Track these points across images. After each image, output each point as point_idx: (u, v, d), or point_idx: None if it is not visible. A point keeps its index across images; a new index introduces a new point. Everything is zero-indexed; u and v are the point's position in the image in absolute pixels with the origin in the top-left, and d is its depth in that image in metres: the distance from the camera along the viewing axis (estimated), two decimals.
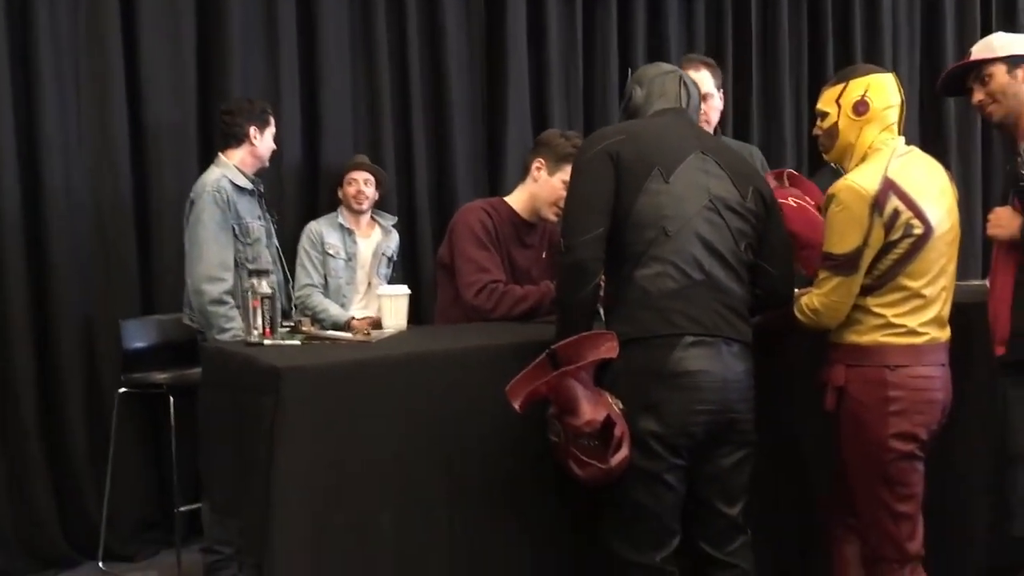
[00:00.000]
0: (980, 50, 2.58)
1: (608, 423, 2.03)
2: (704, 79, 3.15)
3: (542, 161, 2.88)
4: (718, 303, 2.18)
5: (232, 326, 3.32)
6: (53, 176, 3.67)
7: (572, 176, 2.27)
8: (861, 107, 2.32)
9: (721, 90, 3.28)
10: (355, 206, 4.01)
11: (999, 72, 2.52)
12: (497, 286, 2.73)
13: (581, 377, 2.05)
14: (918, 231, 2.23)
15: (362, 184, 4.01)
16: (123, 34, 3.79)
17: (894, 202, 2.21)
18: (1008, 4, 6.11)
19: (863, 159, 2.33)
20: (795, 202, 2.48)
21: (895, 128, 2.35)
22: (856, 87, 2.34)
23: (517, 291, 2.74)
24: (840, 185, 2.26)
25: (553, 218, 2.90)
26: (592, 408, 2.04)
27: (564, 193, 2.77)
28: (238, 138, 3.51)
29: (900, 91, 2.37)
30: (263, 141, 3.53)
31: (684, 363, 2.12)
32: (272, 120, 3.57)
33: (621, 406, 2.10)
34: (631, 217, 2.17)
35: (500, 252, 2.83)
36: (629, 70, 2.50)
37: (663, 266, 2.15)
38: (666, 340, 2.13)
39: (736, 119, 5.22)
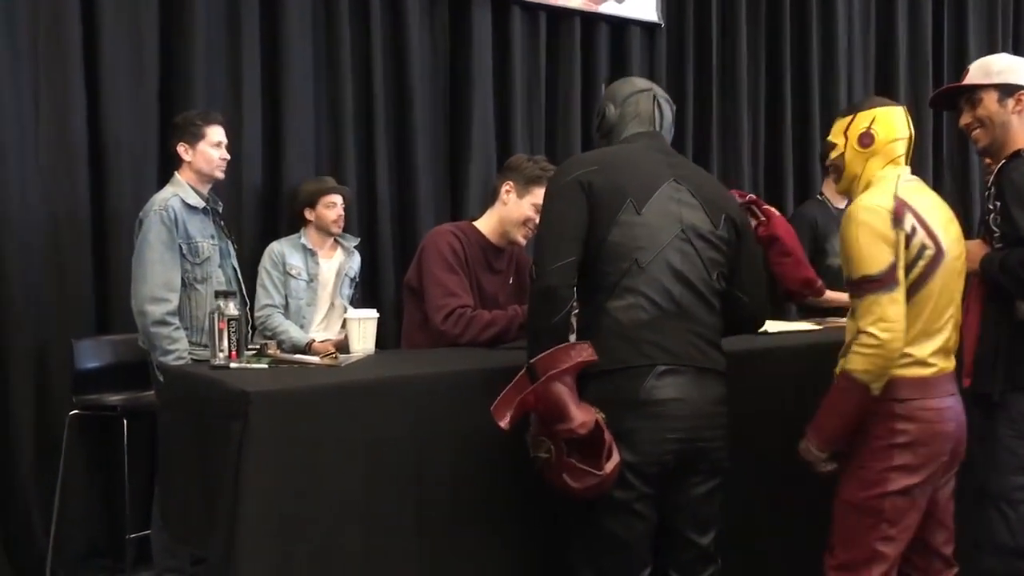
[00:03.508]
0: (976, 73, 2.55)
1: (599, 426, 2.03)
2: None
3: (511, 184, 2.89)
4: (690, 333, 2.18)
5: (176, 348, 3.26)
6: (8, 188, 3.56)
7: (545, 202, 2.26)
8: (866, 139, 2.31)
9: None
10: (334, 229, 3.99)
11: (989, 98, 2.50)
12: (465, 311, 2.71)
13: (566, 381, 2.04)
14: (930, 252, 2.21)
15: (340, 207, 3.99)
16: (84, 46, 3.71)
17: (911, 219, 2.20)
18: (959, 43, 6.31)
19: (867, 187, 2.31)
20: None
21: (901, 160, 2.32)
22: (863, 119, 2.33)
23: (485, 316, 2.72)
24: (854, 207, 2.24)
25: (522, 240, 2.91)
26: (582, 411, 2.03)
27: (532, 215, 2.82)
28: (177, 157, 3.48)
29: (909, 124, 2.33)
30: (196, 156, 3.47)
31: (655, 392, 2.12)
32: (207, 131, 3.47)
33: (602, 415, 2.09)
34: (604, 248, 2.16)
35: (469, 276, 2.81)
36: (603, 86, 2.49)
37: (635, 297, 2.15)
38: (638, 370, 2.13)
39: (696, 150, 5.29)
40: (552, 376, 2.02)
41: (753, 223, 2.47)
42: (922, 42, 6.15)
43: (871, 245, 2.19)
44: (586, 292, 2.21)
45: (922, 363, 2.23)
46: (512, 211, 2.88)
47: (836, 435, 2.27)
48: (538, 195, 2.78)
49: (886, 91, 5.93)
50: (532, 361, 2.08)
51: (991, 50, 6.33)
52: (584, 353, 2.10)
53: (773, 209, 2.54)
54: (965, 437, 2.32)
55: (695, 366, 2.17)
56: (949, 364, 2.30)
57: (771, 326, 3.07)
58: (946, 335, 2.28)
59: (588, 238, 2.17)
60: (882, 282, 2.17)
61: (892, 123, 2.31)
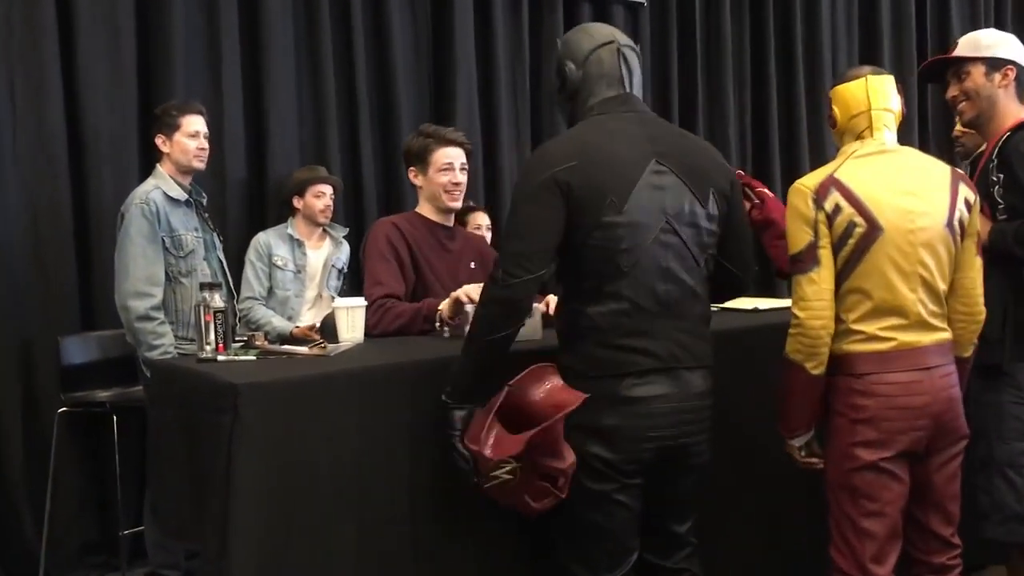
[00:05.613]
0: (965, 46, 2.55)
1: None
2: None
3: (413, 169, 2.92)
4: (675, 330, 2.09)
5: (162, 343, 3.23)
6: None
7: (518, 203, 2.09)
8: (831, 121, 2.33)
9: None
10: (322, 219, 3.97)
11: (977, 72, 2.50)
12: (386, 301, 2.69)
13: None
14: (860, 229, 2.15)
15: (329, 197, 3.97)
16: (60, 38, 3.66)
17: (835, 197, 2.16)
18: (942, 14, 6.30)
19: None
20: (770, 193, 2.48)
21: (868, 134, 2.26)
22: (830, 101, 2.32)
23: (397, 308, 2.68)
24: (790, 189, 2.25)
25: (451, 204, 2.88)
26: (568, 449, 2.03)
27: (446, 179, 2.84)
28: (158, 150, 3.45)
29: (869, 96, 2.25)
30: (174, 147, 3.44)
31: (637, 390, 2.05)
32: (183, 122, 3.43)
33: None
34: (585, 252, 2.05)
35: (414, 261, 2.80)
36: (558, 41, 2.30)
37: (618, 303, 2.05)
38: (620, 376, 2.06)
39: (682, 120, 5.27)
40: (561, 417, 1.99)
41: (747, 206, 2.43)
42: (905, 14, 6.13)
43: (793, 225, 2.21)
44: (567, 295, 2.13)
45: (876, 338, 2.18)
46: (427, 189, 2.89)
47: (792, 418, 2.27)
48: (439, 156, 2.84)
49: (869, 53, 5.94)
50: (511, 384, 2.04)
51: (973, 22, 6.33)
52: (570, 397, 2.05)
53: (767, 191, 2.50)
54: (953, 411, 2.23)
55: (680, 366, 2.09)
56: (921, 338, 2.20)
57: (763, 303, 3.05)
58: (914, 310, 2.19)
59: (566, 242, 2.05)
60: (802, 262, 2.20)
61: (846, 101, 2.28)
